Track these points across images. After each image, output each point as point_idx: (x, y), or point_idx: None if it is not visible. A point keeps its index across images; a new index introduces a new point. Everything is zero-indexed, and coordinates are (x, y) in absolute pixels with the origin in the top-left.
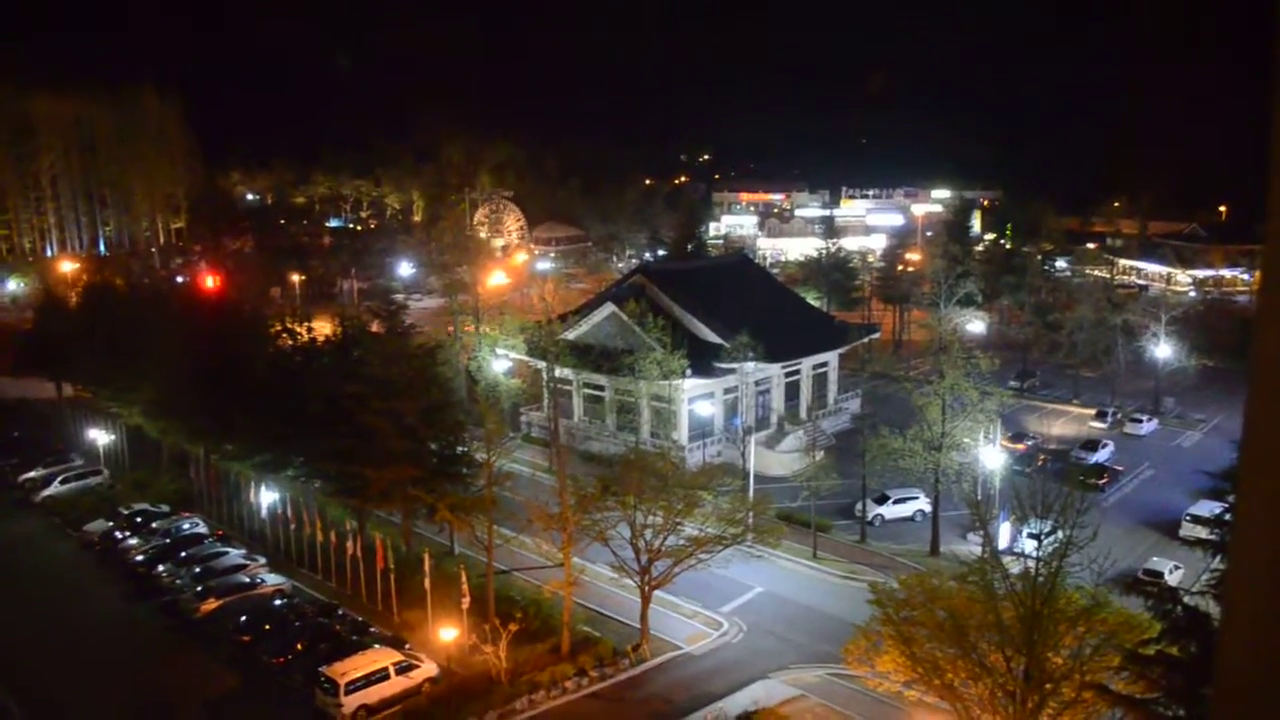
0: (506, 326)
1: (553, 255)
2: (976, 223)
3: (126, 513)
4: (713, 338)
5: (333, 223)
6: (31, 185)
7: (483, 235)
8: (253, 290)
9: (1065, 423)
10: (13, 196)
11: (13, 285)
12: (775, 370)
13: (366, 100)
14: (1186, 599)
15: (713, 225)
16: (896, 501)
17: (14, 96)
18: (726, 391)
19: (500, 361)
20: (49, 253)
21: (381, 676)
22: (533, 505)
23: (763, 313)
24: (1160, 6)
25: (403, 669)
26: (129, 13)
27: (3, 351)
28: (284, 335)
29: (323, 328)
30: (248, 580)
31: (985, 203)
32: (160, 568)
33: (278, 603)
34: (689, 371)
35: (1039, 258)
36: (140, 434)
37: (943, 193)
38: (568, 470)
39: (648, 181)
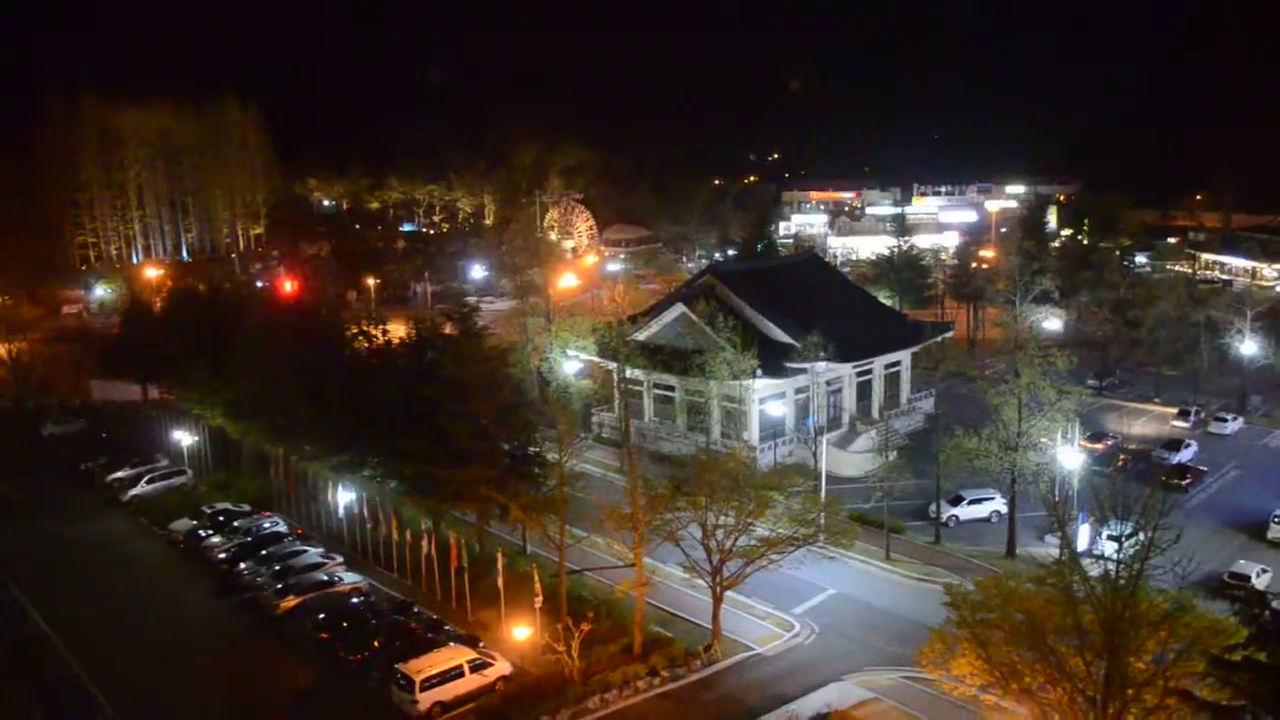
0: (577, 328)
1: (622, 256)
2: (1052, 218)
3: (209, 512)
4: (783, 337)
5: (406, 227)
6: (118, 194)
7: (553, 237)
8: (329, 294)
9: (1146, 422)
10: (101, 205)
11: (100, 291)
12: (847, 370)
13: (440, 106)
14: (1275, 603)
15: (782, 224)
16: (971, 502)
17: (102, 108)
18: (798, 391)
19: (571, 363)
20: (134, 259)
21: (456, 674)
22: (604, 506)
23: (834, 312)
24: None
25: (476, 667)
26: (210, 24)
27: (91, 355)
28: (360, 338)
29: (397, 330)
30: (326, 578)
31: (1061, 197)
32: (242, 565)
33: (355, 601)
34: (759, 371)
35: (1117, 253)
36: (222, 435)
37: (1017, 188)
38: (639, 471)
39: (717, 182)
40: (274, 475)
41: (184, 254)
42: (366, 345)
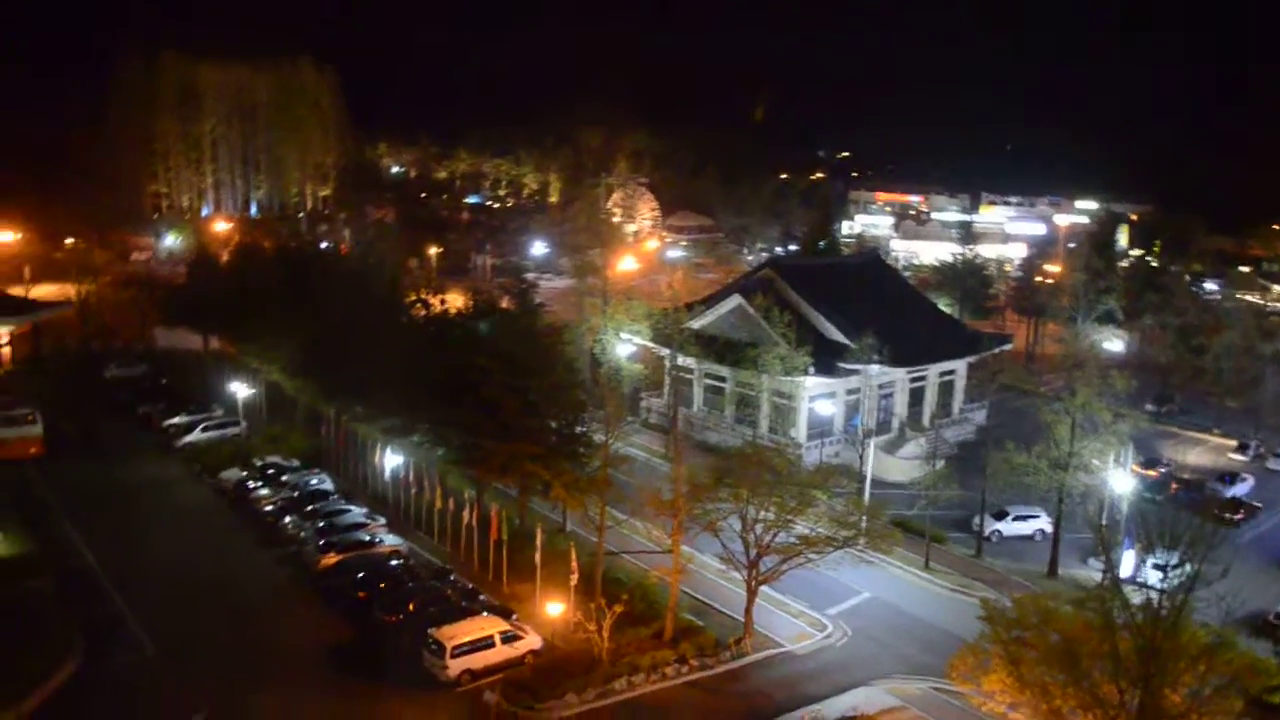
0: (633, 311)
1: (683, 244)
2: (1123, 237)
3: (259, 464)
4: (838, 337)
5: (471, 199)
6: (193, 147)
7: (616, 220)
8: (392, 260)
9: (1202, 452)
10: (175, 157)
11: (169, 240)
12: (900, 374)
13: (514, 83)
14: None
15: (846, 224)
16: (1016, 518)
17: (182, 63)
18: (849, 392)
19: (625, 346)
20: (205, 212)
21: (487, 644)
22: (646, 490)
23: (892, 315)
24: None
25: (508, 638)
26: None
27: (157, 303)
28: (419, 305)
29: (455, 300)
30: (367, 538)
31: (1134, 217)
32: (287, 519)
33: (394, 563)
34: (812, 369)
35: (1187, 278)
36: (278, 390)
37: (1089, 204)
38: (683, 458)
39: (784, 176)
40: (325, 434)
41: (253, 210)
42: (424, 313)
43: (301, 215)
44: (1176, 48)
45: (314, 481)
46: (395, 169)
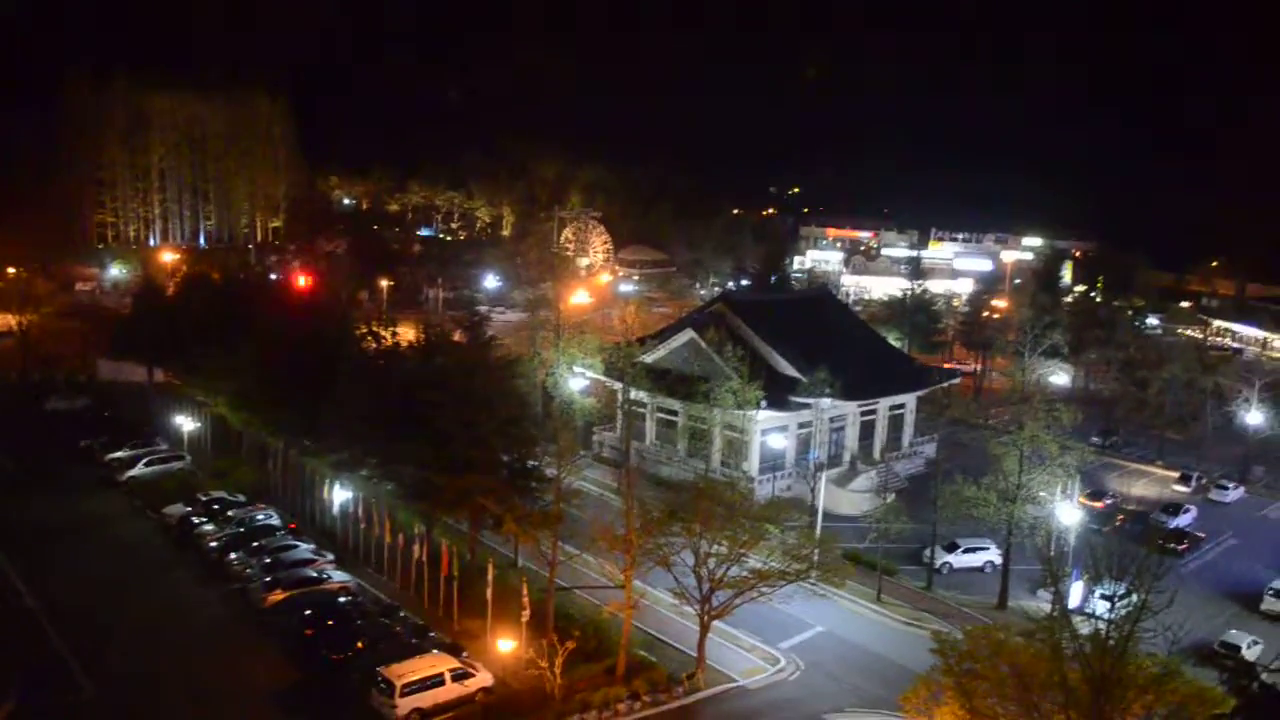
0: (586, 345)
1: (636, 278)
2: (1067, 273)
3: (204, 499)
4: (790, 371)
5: (424, 231)
6: (141, 176)
7: (569, 253)
8: (342, 292)
9: (1147, 484)
10: (122, 186)
11: (115, 271)
12: (851, 408)
13: (466, 115)
14: (1264, 676)
15: (798, 259)
16: (966, 550)
17: (131, 91)
18: (800, 426)
19: (577, 380)
20: (152, 242)
21: (437, 682)
22: (599, 525)
23: (842, 349)
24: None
25: (458, 676)
26: (245, 17)
27: (101, 334)
28: (369, 338)
29: (407, 333)
30: (315, 575)
31: (1077, 253)
32: (232, 555)
33: (342, 600)
34: (764, 403)
35: (1130, 313)
36: (223, 424)
37: (1034, 241)
38: (636, 493)
39: (736, 211)
40: (272, 468)
41: (201, 240)
42: (375, 346)
43: (251, 246)
44: (1121, 90)
45: (260, 517)
46: (347, 201)
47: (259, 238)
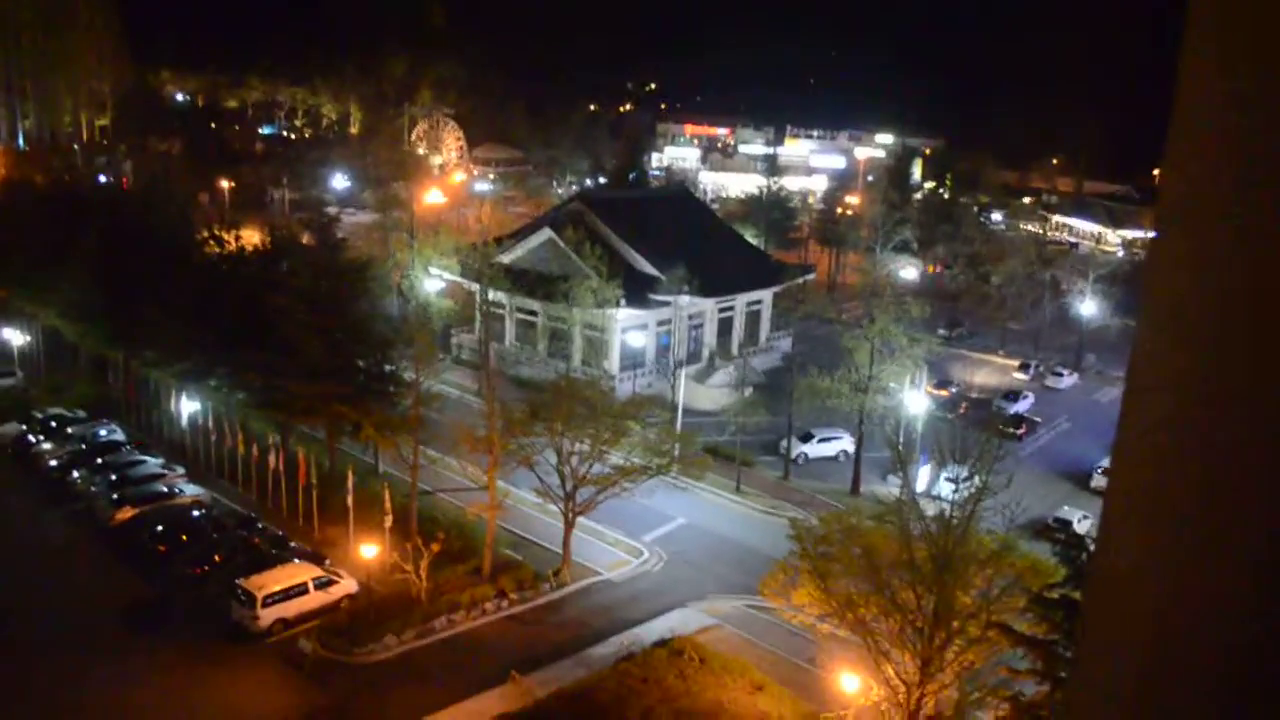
0: (441, 246)
1: (492, 177)
2: (918, 170)
3: (41, 417)
4: (649, 269)
5: (266, 130)
6: None
7: (421, 152)
8: (180, 195)
9: (989, 372)
10: None
11: None
12: (709, 305)
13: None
14: (1092, 546)
15: (655, 156)
16: (821, 440)
17: None
18: (660, 323)
19: (433, 281)
20: None
21: (300, 591)
22: (460, 427)
23: (700, 247)
24: None
25: (321, 584)
26: None
27: None
28: (211, 242)
29: (251, 237)
30: (165, 490)
31: (927, 151)
32: (75, 474)
33: (196, 514)
34: (623, 301)
35: (975, 209)
36: (58, 336)
37: (886, 138)
38: (497, 394)
39: (592, 108)
40: (113, 381)
41: (20, 142)
42: (218, 251)
43: (76, 147)
44: None
45: (103, 432)
46: (181, 96)
47: (85, 137)
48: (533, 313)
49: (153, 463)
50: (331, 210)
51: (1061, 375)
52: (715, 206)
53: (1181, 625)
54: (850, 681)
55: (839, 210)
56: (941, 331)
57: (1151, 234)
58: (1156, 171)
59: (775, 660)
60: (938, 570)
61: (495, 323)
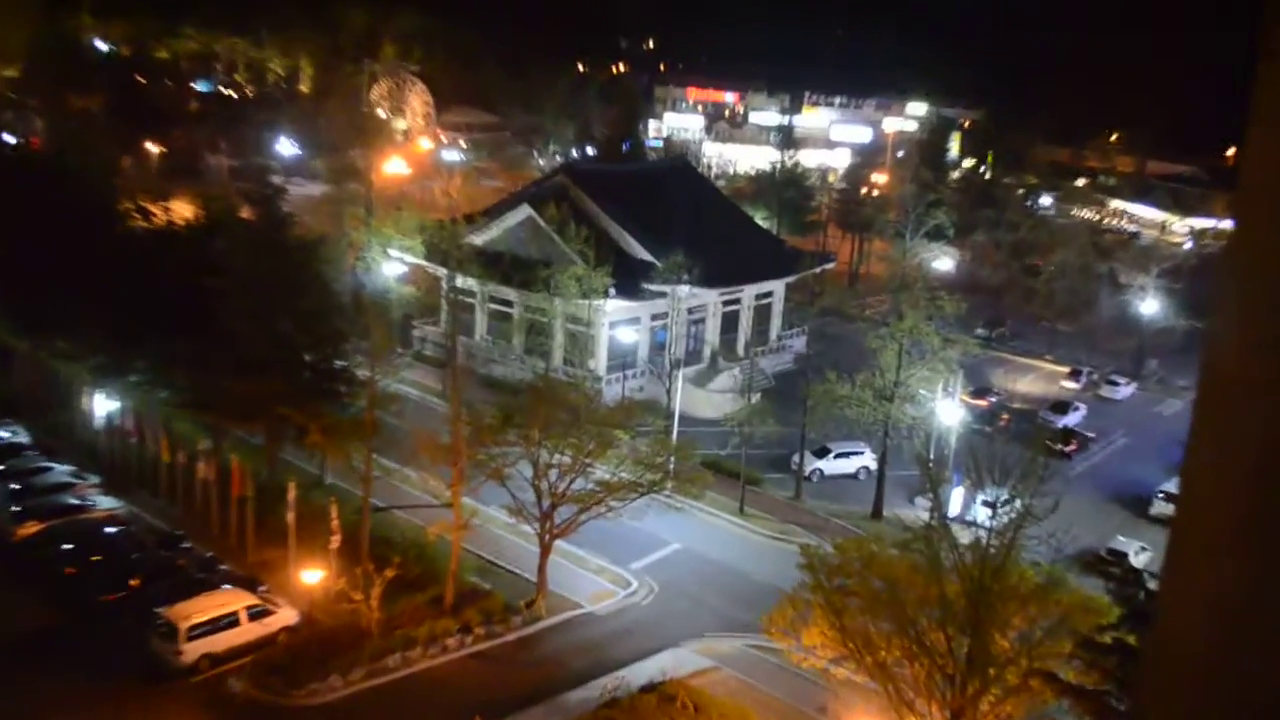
0: (403, 224)
1: (463, 144)
2: (954, 146)
3: None
4: (643, 254)
5: (202, 86)
6: None
7: (381, 115)
8: (100, 159)
9: (1034, 380)
10: None
11: None
12: (712, 297)
13: None
14: (1151, 583)
15: (653, 124)
16: (839, 456)
17: None
18: (654, 318)
19: (393, 265)
20: None
21: (230, 622)
22: (421, 434)
23: (703, 230)
24: None
25: (256, 614)
26: None
27: None
28: (136, 215)
29: (183, 210)
30: (76, 502)
31: (966, 123)
32: None
33: (111, 530)
34: (613, 291)
35: (1021, 191)
36: None
37: (919, 108)
38: (464, 396)
39: (581, 68)
40: (16, 376)
41: None
42: (143, 225)
43: None
44: None
45: (5, 435)
46: (104, 46)
47: None
48: (508, 303)
49: (61, 470)
50: (277, 180)
51: (1118, 384)
52: (721, 183)
53: (1272, 683)
54: None
55: (863, 190)
56: (980, 332)
57: (1228, 222)
58: (1232, 151)
59: (781, 709)
60: (972, 608)
61: (464, 314)
